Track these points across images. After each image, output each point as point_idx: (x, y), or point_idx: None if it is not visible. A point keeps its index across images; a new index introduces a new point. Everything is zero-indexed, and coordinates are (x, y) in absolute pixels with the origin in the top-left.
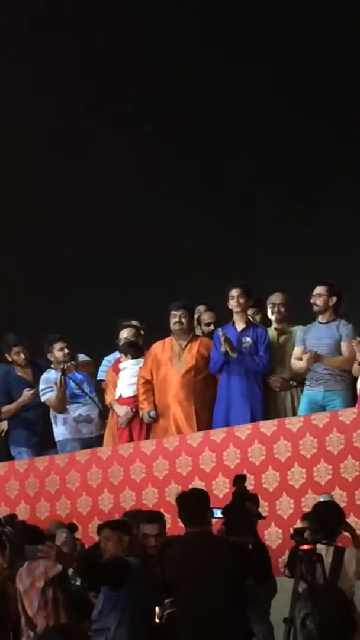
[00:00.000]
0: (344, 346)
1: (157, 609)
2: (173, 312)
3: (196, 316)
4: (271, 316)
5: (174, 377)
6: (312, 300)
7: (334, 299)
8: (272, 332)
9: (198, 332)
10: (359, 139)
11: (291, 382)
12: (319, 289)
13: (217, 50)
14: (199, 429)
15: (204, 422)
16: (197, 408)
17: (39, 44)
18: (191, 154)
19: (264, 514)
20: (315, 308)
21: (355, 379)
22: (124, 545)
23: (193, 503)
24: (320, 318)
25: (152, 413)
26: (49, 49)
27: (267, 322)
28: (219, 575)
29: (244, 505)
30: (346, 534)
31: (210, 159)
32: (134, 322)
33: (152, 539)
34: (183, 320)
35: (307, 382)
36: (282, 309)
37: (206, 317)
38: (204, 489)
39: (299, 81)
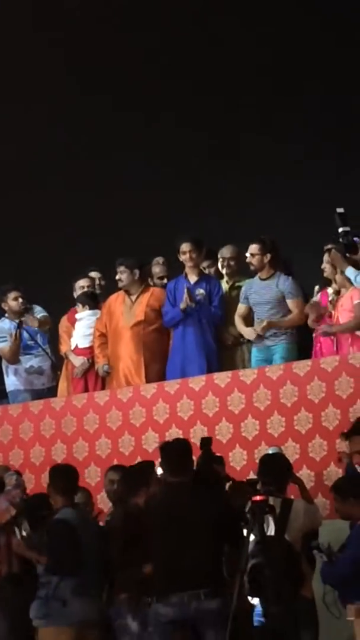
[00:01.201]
0: (290, 304)
1: None
2: (117, 269)
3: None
4: (222, 270)
5: (125, 329)
6: (247, 260)
7: (268, 255)
8: (224, 285)
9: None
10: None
11: (241, 339)
12: (252, 248)
13: None
14: (148, 381)
15: (154, 373)
16: (147, 360)
17: None
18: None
19: None
20: (252, 267)
21: (302, 331)
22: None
23: (177, 453)
24: (259, 274)
25: (106, 367)
26: None
27: (220, 275)
28: (199, 524)
29: (212, 468)
30: (294, 485)
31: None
32: (92, 274)
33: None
34: (122, 277)
35: (253, 341)
36: (232, 263)
37: (158, 270)
38: (157, 440)
39: None
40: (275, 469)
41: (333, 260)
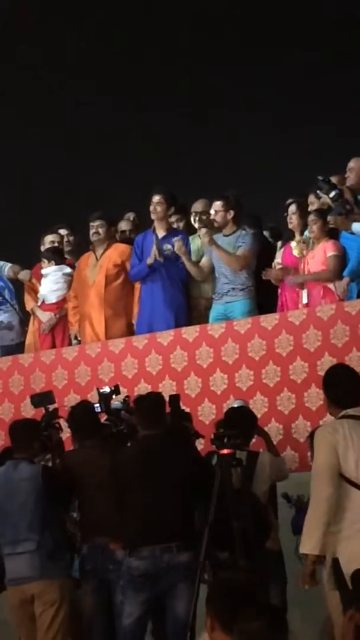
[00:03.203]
0: (238, 251)
1: None
2: (91, 224)
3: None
4: (194, 224)
5: (89, 286)
6: (211, 217)
7: (232, 212)
8: (196, 240)
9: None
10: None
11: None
12: (215, 205)
13: None
14: (110, 337)
15: (117, 330)
16: (108, 317)
17: None
18: None
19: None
20: (215, 224)
21: (261, 287)
22: None
23: (150, 406)
24: (224, 231)
25: (74, 334)
26: None
27: (191, 230)
28: (171, 477)
29: (181, 425)
30: (259, 438)
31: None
32: (61, 231)
33: None
34: (100, 230)
35: (212, 297)
36: (203, 217)
37: (123, 225)
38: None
39: None
40: (241, 422)
41: (337, 224)
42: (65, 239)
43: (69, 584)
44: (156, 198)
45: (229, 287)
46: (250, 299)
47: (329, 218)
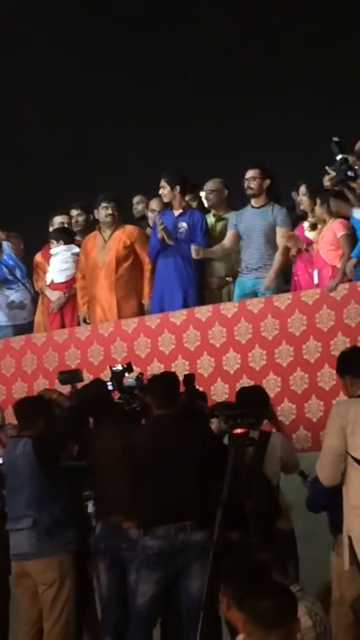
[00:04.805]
0: (279, 232)
1: None
2: (104, 204)
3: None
4: (206, 203)
5: (98, 268)
6: (245, 184)
7: (268, 181)
8: (210, 218)
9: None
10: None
11: (227, 279)
12: (251, 172)
13: None
14: (121, 319)
15: (128, 312)
16: (119, 298)
17: None
18: None
19: None
20: (249, 192)
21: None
22: None
23: (164, 386)
24: (253, 202)
25: (84, 316)
26: None
27: (204, 209)
28: (186, 456)
29: (196, 404)
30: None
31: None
32: (73, 211)
33: None
34: (115, 212)
35: (240, 271)
36: (211, 196)
37: (154, 204)
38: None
39: None
40: (255, 402)
41: (336, 208)
42: (74, 220)
43: (69, 560)
44: (162, 181)
45: (262, 262)
46: (280, 275)
47: (331, 204)
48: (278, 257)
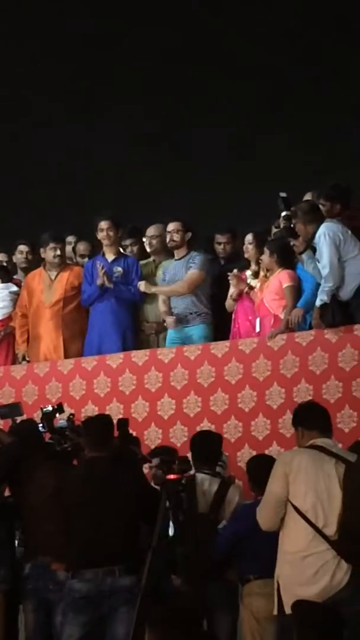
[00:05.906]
0: (187, 273)
1: None
2: (52, 245)
3: (71, 247)
4: (147, 249)
5: (45, 308)
6: (167, 238)
7: (189, 234)
8: (150, 264)
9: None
10: None
11: (164, 324)
12: (173, 225)
13: None
14: (67, 358)
15: (73, 352)
16: (66, 338)
17: None
18: None
19: None
20: (172, 244)
21: (218, 312)
22: None
23: (98, 428)
24: (176, 254)
25: (22, 355)
26: None
27: (145, 254)
28: (116, 499)
29: (128, 448)
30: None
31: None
32: (21, 247)
33: None
34: (63, 253)
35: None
36: (153, 242)
37: (82, 248)
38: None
39: None
40: (210, 448)
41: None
42: (23, 256)
43: None
44: (105, 224)
45: (187, 311)
46: (209, 323)
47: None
48: (180, 282)
